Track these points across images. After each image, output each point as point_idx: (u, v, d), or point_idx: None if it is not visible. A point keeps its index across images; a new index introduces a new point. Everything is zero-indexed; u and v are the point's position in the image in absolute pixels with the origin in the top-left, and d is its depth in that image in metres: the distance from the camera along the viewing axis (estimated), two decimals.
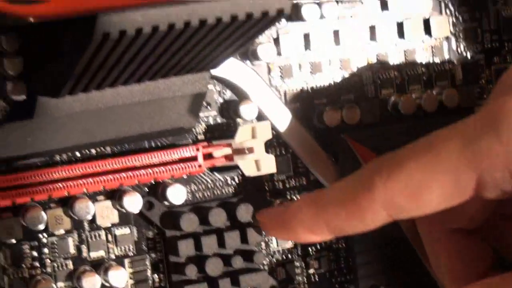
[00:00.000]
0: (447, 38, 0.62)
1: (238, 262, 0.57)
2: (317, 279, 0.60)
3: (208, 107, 0.57)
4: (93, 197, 0.55)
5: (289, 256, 0.60)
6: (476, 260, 0.55)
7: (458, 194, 0.46)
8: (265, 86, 0.58)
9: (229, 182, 0.59)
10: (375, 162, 0.51)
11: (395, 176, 0.48)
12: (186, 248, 0.56)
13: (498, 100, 0.47)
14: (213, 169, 0.58)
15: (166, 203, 0.57)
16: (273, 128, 0.60)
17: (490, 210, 0.55)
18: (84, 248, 0.55)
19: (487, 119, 0.46)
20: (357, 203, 0.48)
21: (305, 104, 0.59)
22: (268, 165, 0.58)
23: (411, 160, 0.48)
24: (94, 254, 0.55)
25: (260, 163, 0.58)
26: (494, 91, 0.52)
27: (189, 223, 0.56)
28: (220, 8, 0.48)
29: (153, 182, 0.57)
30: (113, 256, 0.56)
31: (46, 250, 0.54)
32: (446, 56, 0.62)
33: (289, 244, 0.61)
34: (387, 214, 0.48)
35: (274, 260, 0.60)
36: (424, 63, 0.62)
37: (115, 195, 0.55)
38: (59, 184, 0.53)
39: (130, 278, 0.57)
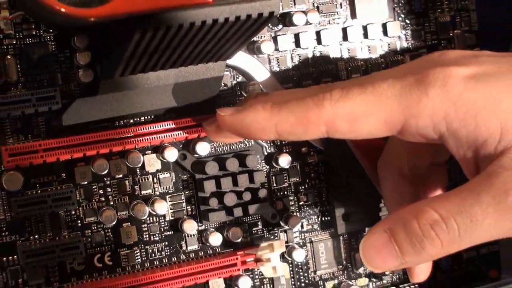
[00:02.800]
0: (399, 37, 0.60)
1: (247, 196, 0.56)
2: (305, 209, 0.59)
3: (225, 87, 0.56)
4: (142, 151, 0.54)
5: (285, 192, 0.58)
6: (407, 195, 0.54)
7: (386, 130, 0.45)
8: (266, 71, 0.57)
9: (241, 141, 0.57)
10: (328, 86, 0.49)
11: (342, 103, 0.46)
12: (210, 186, 0.56)
13: (430, 68, 0.45)
14: None
15: (195, 155, 0.55)
16: None
17: (425, 161, 0.54)
18: (136, 187, 0.54)
19: (421, 79, 0.45)
20: (306, 115, 0.47)
21: (295, 84, 0.58)
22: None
23: (358, 95, 0.46)
24: (144, 192, 0.54)
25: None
26: (423, 59, 0.50)
27: (212, 168, 0.55)
28: (227, 10, 0.47)
29: (185, 139, 0.55)
30: (157, 193, 0.55)
31: (109, 189, 0.53)
32: (398, 50, 0.61)
33: (285, 185, 0.59)
34: (326, 130, 0.46)
35: (274, 195, 0.58)
36: (382, 55, 0.60)
37: (158, 149, 0.54)
38: (118, 141, 0.52)
39: (170, 209, 0.55)
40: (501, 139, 0.43)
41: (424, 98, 0.44)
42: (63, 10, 0.44)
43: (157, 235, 0.55)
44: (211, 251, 0.57)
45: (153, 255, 0.55)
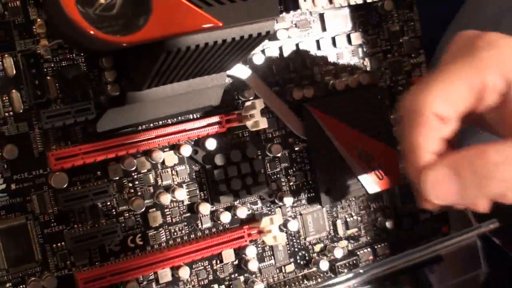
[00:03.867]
0: (360, 45, 0.61)
1: (249, 181, 0.56)
2: (294, 188, 0.59)
3: (225, 92, 0.55)
4: (162, 149, 0.53)
5: (278, 176, 0.58)
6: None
7: (475, 96, 0.40)
8: (258, 79, 0.57)
9: (240, 135, 0.57)
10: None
11: (437, 91, 0.41)
12: (219, 174, 0.55)
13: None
14: (230, 128, 0.56)
15: (205, 149, 0.55)
16: (264, 102, 0.57)
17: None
18: (159, 179, 0.54)
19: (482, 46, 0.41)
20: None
21: (281, 87, 0.58)
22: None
23: (453, 81, 0.41)
24: (165, 182, 0.54)
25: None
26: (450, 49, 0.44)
27: (220, 160, 0.55)
28: (234, 32, 0.47)
29: (197, 137, 0.55)
30: (176, 183, 0.55)
31: (136, 182, 0.53)
32: (360, 55, 0.61)
33: (277, 169, 0.59)
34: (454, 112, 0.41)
35: (269, 178, 0.58)
36: (348, 59, 0.61)
37: (175, 147, 0.54)
38: (142, 142, 0.52)
39: (187, 195, 0.55)
40: None
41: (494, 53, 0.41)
42: (103, 38, 0.43)
43: (177, 217, 0.55)
44: (222, 228, 0.57)
45: (175, 234, 0.55)
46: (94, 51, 0.49)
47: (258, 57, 0.56)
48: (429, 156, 0.41)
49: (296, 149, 0.59)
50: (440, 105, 0.40)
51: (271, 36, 0.55)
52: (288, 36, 0.57)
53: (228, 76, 0.55)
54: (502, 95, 0.41)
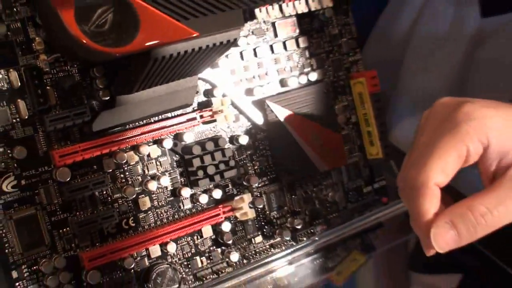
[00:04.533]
0: (307, 47, 0.62)
1: (222, 166, 0.56)
2: (258, 171, 0.60)
3: (198, 92, 0.56)
4: (147, 143, 0.54)
5: (244, 161, 0.59)
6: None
7: (462, 161, 0.43)
8: (224, 80, 0.57)
9: (213, 129, 0.57)
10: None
11: (436, 167, 0.43)
12: (196, 163, 0.55)
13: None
14: (204, 123, 0.56)
15: (183, 142, 0.55)
16: (231, 100, 0.57)
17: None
18: (146, 169, 0.54)
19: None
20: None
21: (243, 86, 0.58)
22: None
23: (441, 158, 0.43)
24: (151, 172, 0.54)
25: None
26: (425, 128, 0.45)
27: (196, 150, 0.55)
28: (207, 40, 0.48)
29: (176, 132, 0.55)
30: (160, 172, 0.55)
31: (127, 173, 0.53)
32: (307, 56, 0.62)
33: (243, 156, 0.59)
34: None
35: (237, 163, 0.58)
36: (297, 60, 0.62)
37: (158, 141, 0.54)
38: (131, 139, 0.53)
39: (170, 181, 0.55)
40: None
41: (470, 128, 0.42)
42: (100, 49, 0.45)
43: (163, 201, 0.55)
44: (200, 208, 0.57)
45: (162, 215, 0.55)
46: (90, 61, 0.51)
47: (223, 62, 0.57)
48: (433, 216, 0.43)
49: (259, 137, 0.60)
50: (440, 176, 0.42)
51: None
52: (247, 42, 0.58)
53: (200, 79, 0.56)
54: (479, 155, 0.43)
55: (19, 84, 0.49)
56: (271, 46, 0.60)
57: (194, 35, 0.47)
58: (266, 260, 0.60)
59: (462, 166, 0.44)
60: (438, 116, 0.45)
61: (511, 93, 0.64)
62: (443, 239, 0.42)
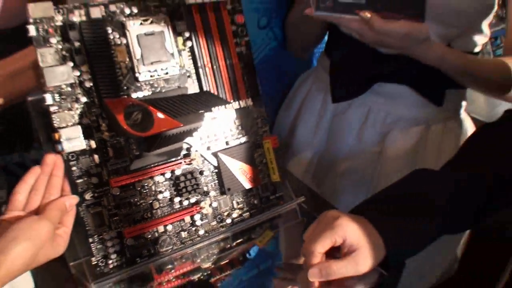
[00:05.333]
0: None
1: (194, 186, 0.79)
2: (213, 186, 0.75)
3: (182, 148, 0.77)
4: (157, 175, 0.73)
5: (208, 182, 0.74)
6: None
7: (333, 244, 0.59)
8: (196, 142, 0.77)
9: (190, 167, 0.73)
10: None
11: (321, 245, 0.59)
12: (181, 185, 0.76)
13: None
14: (186, 164, 0.75)
15: (175, 173, 0.78)
16: (200, 153, 0.73)
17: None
18: (155, 187, 0.73)
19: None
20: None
21: (206, 145, 0.74)
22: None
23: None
24: (158, 189, 0.73)
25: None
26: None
27: (182, 177, 0.77)
28: (186, 127, 0.69)
29: (172, 169, 0.74)
30: (163, 189, 0.73)
31: (147, 190, 0.72)
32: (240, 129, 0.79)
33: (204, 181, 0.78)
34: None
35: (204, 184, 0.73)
36: (235, 131, 0.78)
37: (162, 174, 0.76)
38: (149, 173, 0.72)
39: (169, 194, 0.72)
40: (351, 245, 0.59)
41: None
42: (134, 133, 0.68)
43: (164, 203, 0.75)
44: (184, 207, 0.77)
45: (164, 212, 0.76)
46: (129, 136, 0.73)
47: (195, 133, 0.77)
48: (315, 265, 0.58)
49: (214, 171, 0.80)
50: (321, 249, 0.59)
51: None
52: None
53: (184, 142, 0.77)
54: (341, 243, 0.60)
55: (95, 146, 0.73)
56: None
57: (180, 125, 0.72)
58: (220, 231, 0.80)
59: (332, 246, 0.61)
60: (325, 220, 0.63)
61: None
62: (314, 275, 0.60)
